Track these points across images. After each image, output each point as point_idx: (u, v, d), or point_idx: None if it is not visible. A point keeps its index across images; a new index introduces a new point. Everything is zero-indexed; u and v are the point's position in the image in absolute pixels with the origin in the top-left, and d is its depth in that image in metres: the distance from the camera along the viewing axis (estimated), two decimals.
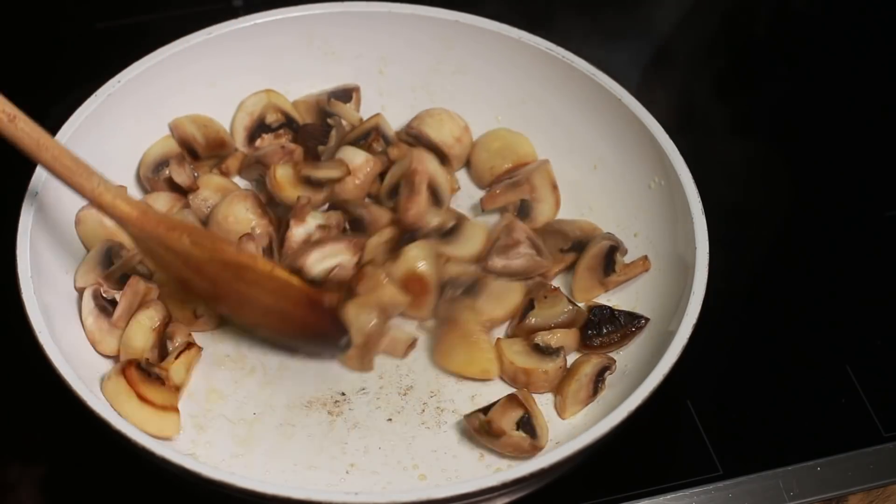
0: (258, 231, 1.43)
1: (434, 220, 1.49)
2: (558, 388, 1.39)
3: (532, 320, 1.41)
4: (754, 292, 1.54)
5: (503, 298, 1.44)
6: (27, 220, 1.35)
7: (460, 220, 1.50)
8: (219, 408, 1.38)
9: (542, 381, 1.38)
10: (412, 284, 1.43)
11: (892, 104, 1.79)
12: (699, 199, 1.41)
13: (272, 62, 1.59)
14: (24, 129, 1.26)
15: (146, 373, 1.32)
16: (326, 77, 1.62)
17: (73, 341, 1.35)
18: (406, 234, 1.47)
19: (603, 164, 1.54)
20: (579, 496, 1.35)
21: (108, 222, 1.41)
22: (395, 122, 1.61)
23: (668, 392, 1.28)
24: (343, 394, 1.40)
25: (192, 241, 1.33)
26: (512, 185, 1.52)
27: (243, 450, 1.34)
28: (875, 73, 1.83)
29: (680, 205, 1.42)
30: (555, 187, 1.54)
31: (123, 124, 1.50)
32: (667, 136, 1.46)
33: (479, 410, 1.33)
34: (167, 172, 1.50)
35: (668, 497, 1.36)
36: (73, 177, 1.29)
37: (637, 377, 1.34)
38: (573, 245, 1.48)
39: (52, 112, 1.44)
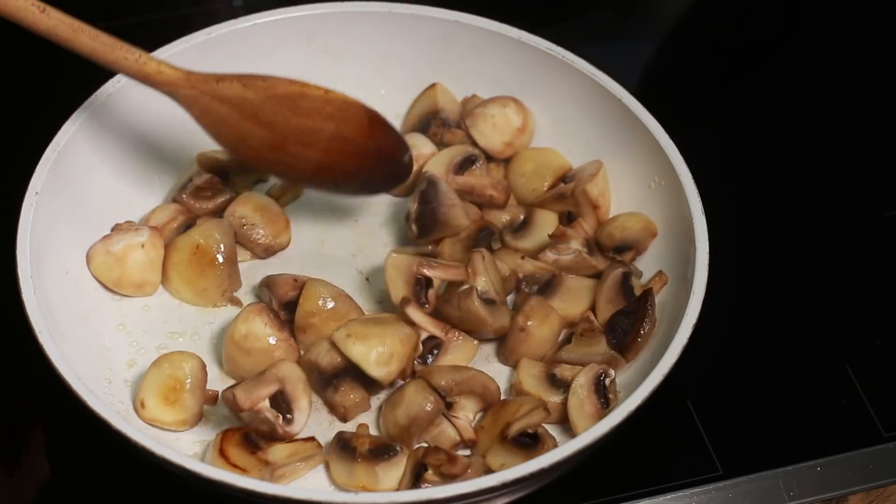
0: (278, 352, 1.35)
1: (503, 217, 1.50)
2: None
3: (563, 354, 1.39)
4: (754, 292, 1.54)
5: (579, 296, 1.44)
6: (27, 220, 1.35)
7: (529, 212, 1.50)
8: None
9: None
10: (467, 321, 1.39)
11: (892, 104, 1.78)
12: (699, 199, 1.41)
13: (272, 62, 1.58)
14: (57, 17, 1.30)
15: (249, 443, 1.29)
16: (326, 77, 1.61)
17: (73, 341, 1.35)
18: (482, 233, 1.46)
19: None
20: (579, 496, 1.34)
21: (116, 249, 1.40)
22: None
23: (668, 392, 1.28)
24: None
25: (242, 84, 1.36)
26: (561, 196, 1.51)
27: None
28: (875, 72, 1.83)
29: (680, 205, 1.42)
30: (596, 206, 1.51)
31: (123, 124, 1.50)
32: (667, 136, 1.46)
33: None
34: (191, 187, 1.51)
35: (668, 497, 1.36)
36: (115, 52, 1.33)
37: (637, 377, 1.34)
38: (619, 246, 1.47)
39: (52, 112, 1.44)
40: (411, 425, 1.32)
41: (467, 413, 1.35)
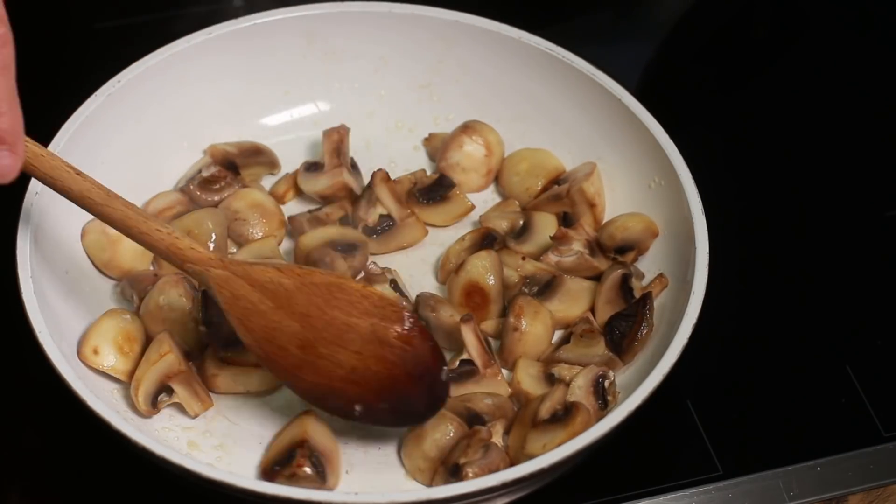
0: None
1: (503, 223, 1.50)
2: None
3: (562, 353, 1.39)
4: (754, 292, 1.54)
5: (578, 298, 1.44)
6: (27, 220, 1.35)
7: (528, 216, 1.50)
8: (222, 409, 1.38)
9: None
10: (473, 295, 1.42)
11: (892, 104, 1.78)
12: (699, 199, 1.41)
13: (272, 62, 1.59)
14: (93, 182, 1.26)
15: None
16: (326, 77, 1.62)
17: (73, 341, 1.35)
18: (485, 239, 1.47)
19: (603, 164, 1.54)
20: (579, 496, 1.34)
21: (111, 232, 1.40)
22: (394, 121, 1.62)
23: (668, 392, 1.28)
24: None
25: (278, 269, 1.27)
26: (555, 196, 1.51)
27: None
28: (875, 72, 1.83)
29: (680, 205, 1.42)
30: (592, 205, 1.51)
31: (123, 124, 1.50)
32: (667, 136, 1.46)
33: (451, 465, 1.28)
34: (197, 180, 1.51)
35: (668, 497, 1.35)
36: (148, 223, 1.27)
37: (637, 377, 1.34)
38: (620, 247, 1.46)
39: (52, 112, 1.44)
40: (449, 455, 1.29)
41: (497, 438, 1.33)
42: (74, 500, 1.35)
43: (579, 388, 1.34)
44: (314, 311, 1.26)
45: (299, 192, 1.56)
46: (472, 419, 1.32)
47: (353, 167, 1.56)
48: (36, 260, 1.33)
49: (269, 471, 1.28)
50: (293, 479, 1.26)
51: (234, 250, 1.50)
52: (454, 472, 1.26)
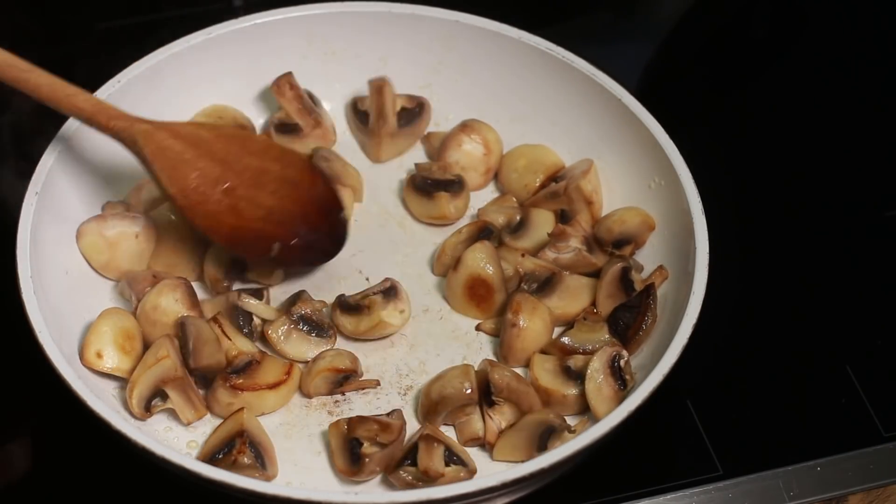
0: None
1: (500, 217, 1.50)
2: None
3: (566, 340, 1.40)
4: (754, 292, 1.54)
5: (577, 294, 1.44)
6: (27, 220, 1.35)
7: (525, 212, 1.50)
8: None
9: (559, 404, 1.36)
10: (476, 288, 1.43)
11: (892, 104, 1.78)
12: (699, 199, 1.41)
13: (272, 62, 1.58)
14: (7, 57, 1.33)
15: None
16: (326, 77, 1.62)
17: (73, 341, 1.35)
18: (482, 233, 1.47)
19: (602, 164, 1.54)
20: (579, 496, 1.34)
21: (109, 233, 1.41)
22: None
23: (668, 392, 1.28)
24: (343, 393, 1.39)
25: (196, 125, 1.41)
26: (553, 194, 1.51)
27: None
28: (875, 72, 1.83)
29: (680, 205, 1.42)
30: (590, 202, 1.51)
31: None
32: (667, 136, 1.46)
33: (404, 463, 1.30)
34: None
35: (668, 497, 1.36)
36: (77, 96, 1.34)
37: (637, 377, 1.34)
38: (618, 240, 1.47)
39: (52, 112, 1.44)
40: (440, 402, 1.33)
41: (502, 420, 1.35)
42: (75, 500, 1.35)
43: (597, 371, 1.34)
44: (232, 158, 1.38)
45: None
46: (486, 389, 1.34)
47: (315, 102, 1.59)
48: (36, 260, 1.33)
49: (210, 460, 1.29)
50: (234, 466, 1.28)
51: None
52: (353, 450, 1.29)
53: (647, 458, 1.39)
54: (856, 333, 1.51)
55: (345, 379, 1.38)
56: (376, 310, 1.41)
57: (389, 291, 1.42)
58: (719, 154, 1.68)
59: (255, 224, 1.40)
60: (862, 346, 1.49)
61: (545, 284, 1.44)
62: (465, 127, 1.58)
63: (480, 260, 1.43)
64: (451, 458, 1.30)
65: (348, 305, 1.42)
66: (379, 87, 1.56)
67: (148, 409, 1.33)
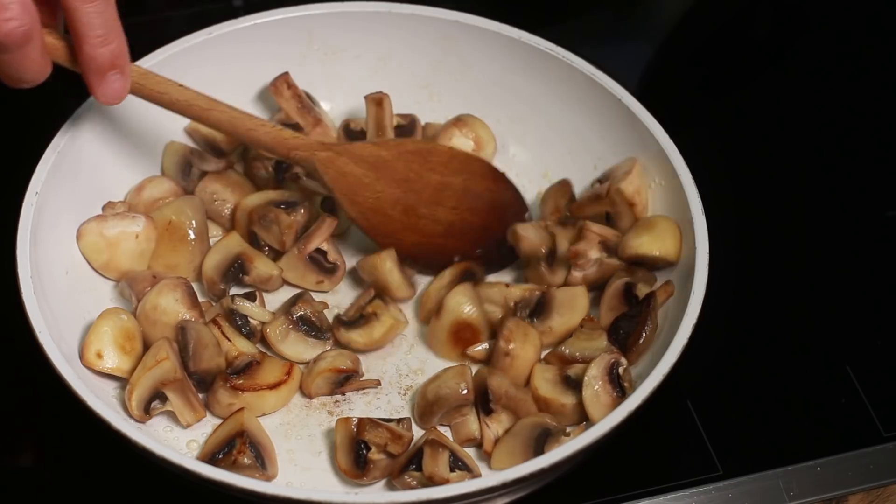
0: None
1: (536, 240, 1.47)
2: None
3: (564, 349, 1.39)
4: (754, 292, 1.54)
5: (574, 305, 1.43)
6: (27, 220, 1.35)
7: (548, 294, 1.45)
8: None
9: (559, 413, 1.35)
10: (461, 332, 1.41)
11: (892, 104, 1.78)
12: (699, 199, 1.41)
13: (272, 62, 1.58)
14: (196, 91, 1.37)
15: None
16: (326, 77, 1.62)
17: (73, 341, 1.35)
18: (465, 275, 1.45)
19: (603, 164, 1.54)
20: (579, 496, 1.34)
21: (109, 233, 1.41)
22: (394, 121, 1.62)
23: (668, 392, 1.28)
24: (343, 394, 1.39)
25: (375, 144, 1.41)
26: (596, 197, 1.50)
27: None
28: (875, 72, 1.83)
29: (680, 205, 1.42)
30: (632, 204, 1.48)
31: (123, 124, 1.50)
32: (667, 136, 1.46)
33: (409, 468, 1.29)
34: (197, 171, 1.51)
35: (668, 497, 1.36)
36: (251, 121, 1.38)
37: (637, 378, 1.34)
38: (631, 260, 1.44)
39: (52, 112, 1.44)
40: (436, 402, 1.33)
41: (499, 428, 1.35)
42: (74, 500, 1.35)
43: (594, 378, 1.33)
44: (413, 176, 1.41)
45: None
46: (484, 395, 1.34)
47: (313, 102, 1.59)
48: (36, 260, 1.33)
49: (210, 460, 1.29)
50: (234, 466, 1.28)
51: (219, 233, 1.51)
52: (359, 452, 1.29)
53: (647, 458, 1.39)
54: (856, 333, 1.51)
55: (346, 379, 1.38)
56: (384, 313, 1.41)
57: (380, 295, 1.43)
58: (719, 154, 1.68)
59: (436, 240, 1.44)
60: (862, 346, 1.49)
61: (539, 306, 1.43)
62: (459, 121, 1.58)
63: (463, 303, 1.40)
64: (456, 463, 1.29)
65: (351, 321, 1.41)
66: (378, 100, 1.55)
67: (147, 412, 1.33)
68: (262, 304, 1.44)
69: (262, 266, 1.44)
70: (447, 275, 1.45)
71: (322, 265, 1.46)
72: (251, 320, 1.42)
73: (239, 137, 1.40)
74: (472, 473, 1.29)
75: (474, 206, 1.44)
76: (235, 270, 1.45)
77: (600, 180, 1.52)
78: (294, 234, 1.46)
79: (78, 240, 1.43)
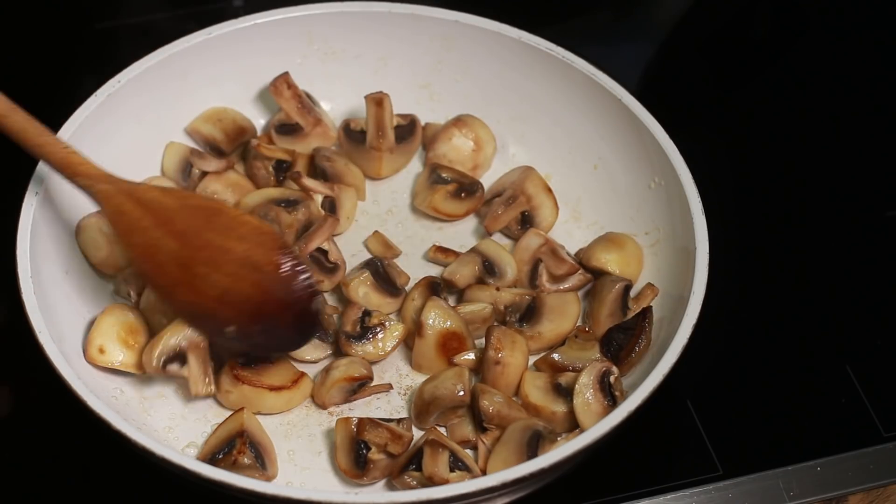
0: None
1: (463, 270, 1.46)
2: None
3: (556, 357, 1.39)
4: (754, 292, 1.54)
5: (565, 311, 1.43)
6: (27, 220, 1.35)
7: (486, 254, 1.47)
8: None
9: (549, 421, 1.35)
10: (448, 343, 1.40)
11: (892, 104, 1.78)
12: (699, 199, 1.41)
13: (272, 62, 1.58)
14: None
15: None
16: (326, 77, 1.62)
17: (73, 341, 1.35)
18: (431, 289, 1.44)
19: (603, 164, 1.54)
20: (579, 496, 1.34)
21: (108, 229, 1.41)
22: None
23: (668, 392, 1.28)
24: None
25: (161, 190, 1.33)
26: (509, 201, 1.51)
27: None
28: (875, 72, 1.83)
29: (680, 205, 1.42)
30: (548, 190, 1.53)
31: (123, 124, 1.50)
32: (667, 136, 1.46)
33: (409, 468, 1.29)
34: (197, 172, 1.51)
35: (668, 497, 1.36)
36: (44, 137, 1.31)
37: (637, 377, 1.34)
38: (592, 270, 1.47)
39: (53, 112, 1.44)
40: (432, 402, 1.33)
41: (494, 444, 1.34)
42: (74, 500, 1.35)
43: (585, 386, 1.33)
44: (192, 232, 1.31)
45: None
46: (476, 414, 1.33)
47: (313, 102, 1.59)
48: (36, 260, 1.33)
49: (210, 460, 1.29)
50: (234, 466, 1.28)
51: None
52: (359, 452, 1.29)
53: (647, 458, 1.39)
54: (856, 333, 1.51)
55: (360, 386, 1.38)
56: (390, 323, 1.40)
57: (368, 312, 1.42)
58: (719, 154, 1.68)
59: (210, 303, 1.32)
60: (862, 346, 1.49)
61: (530, 311, 1.43)
62: (459, 121, 1.58)
63: (440, 316, 1.39)
64: (456, 463, 1.29)
65: (358, 335, 1.40)
66: (379, 100, 1.54)
67: (164, 368, 1.32)
68: None
69: None
70: (416, 294, 1.43)
71: (323, 265, 1.45)
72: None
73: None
74: (473, 473, 1.29)
75: (253, 278, 1.31)
76: None
77: (501, 194, 1.52)
78: (295, 233, 1.46)
79: (77, 235, 1.43)
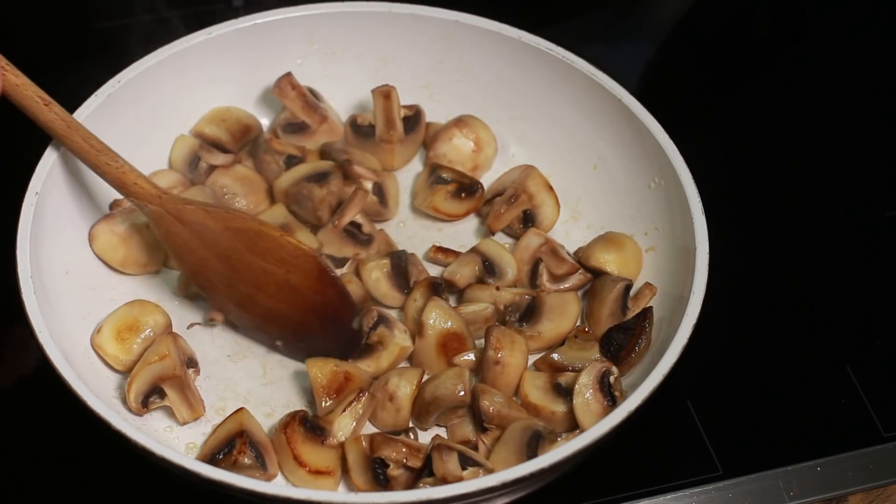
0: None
1: (463, 270, 1.46)
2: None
3: (556, 357, 1.39)
4: (754, 292, 1.54)
5: (565, 311, 1.43)
6: (27, 220, 1.35)
7: (487, 250, 1.48)
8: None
9: (549, 421, 1.35)
10: (448, 344, 1.40)
11: (892, 104, 1.78)
12: (699, 199, 1.41)
13: (272, 62, 1.58)
14: (58, 114, 1.33)
15: (310, 428, 1.31)
16: (326, 77, 1.62)
17: (73, 341, 1.35)
18: (432, 289, 1.44)
19: (603, 164, 1.54)
20: (579, 496, 1.35)
21: (119, 229, 1.41)
22: None
23: (668, 392, 1.28)
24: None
25: (205, 211, 1.35)
26: (510, 200, 1.51)
27: None
28: (875, 73, 1.83)
29: (680, 205, 1.42)
30: (550, 188, 1.53)
31: (123, 124, 1.49)
32: (667, 136, 1.46)
33: (423, 475, 1.28)
34: (204, 165, 1.51)
35: (668, 497, 1.36)
36: (100, 156, 1.35)
37: (637, 377, 1.34)
38: (591, 269, 1.47)
39: None
40: (432, 403, 1.34)
41: (495, 444, 1.34)
42: (74, 500, 1.35)
43: (585, 387, 1.33)
44: (235, 255, 1.36)
45: None
46: (477, 414, 1.33)
47: (318, 98, 1.59)
48: (36, 260, 1.33)
49: (210, 460, 1.29)
50: (234, 466, 1.28)
51: None
52: (377, 470, 1.28)
53: (647, 458, 1.39)
54: (856, 333, 1.51)
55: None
56: (390, 341, 1.40)
57: (382, 320, 1.41)
58: (719, 154, 1.68)
59: (257, 320, 1.40)
60: (862, 346, 1.49)
61: (530, 311, 1.43)
62: (460, 122, 1.58)
63: (441, 316, 1.39)
64: (467, 461, 1.28)
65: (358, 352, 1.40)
66: (386, 93, 1.54)
67: (145, 405, 1.33)
68: None
69: (303, 239, 1.43)
70: (417, 294, 1.43)
71: (358, 237, 1.47)
72: None
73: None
74: (485, 468, 1.28)
75: (293, 299, 1.37)
76: None
77: (502, 193, 1.52)
78: (328, 207, 1.48)
79: (91, 243, 1.43)
